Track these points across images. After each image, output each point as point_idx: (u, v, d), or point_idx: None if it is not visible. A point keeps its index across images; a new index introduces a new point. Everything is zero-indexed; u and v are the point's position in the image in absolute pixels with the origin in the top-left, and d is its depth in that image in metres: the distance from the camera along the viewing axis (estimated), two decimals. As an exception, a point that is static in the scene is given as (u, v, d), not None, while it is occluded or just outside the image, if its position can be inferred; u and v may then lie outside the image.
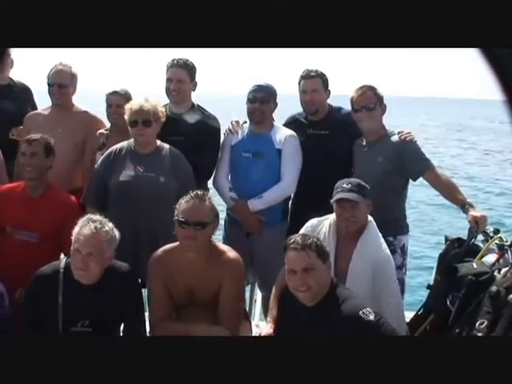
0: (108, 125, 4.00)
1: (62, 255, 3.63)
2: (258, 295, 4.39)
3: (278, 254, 3.80)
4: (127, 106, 3.42)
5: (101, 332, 2.89)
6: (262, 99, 3.74)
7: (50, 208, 3.48)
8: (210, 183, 3.90)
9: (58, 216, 3.46)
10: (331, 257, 2.83)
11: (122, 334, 3.07)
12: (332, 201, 3.04)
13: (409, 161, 3.53)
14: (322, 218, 3.18)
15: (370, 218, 3.08)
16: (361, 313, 2.49)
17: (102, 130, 3.93)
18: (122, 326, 3.06)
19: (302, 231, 3.08)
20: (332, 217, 3.14)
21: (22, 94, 4.37)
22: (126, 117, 3.42)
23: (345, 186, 3.03)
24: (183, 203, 2.92)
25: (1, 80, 4.27)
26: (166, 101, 3.85)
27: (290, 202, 3.99)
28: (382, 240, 3.07)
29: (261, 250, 3.76)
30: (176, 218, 2.92)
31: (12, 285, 3.25)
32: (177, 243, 3.01)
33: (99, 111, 4.14)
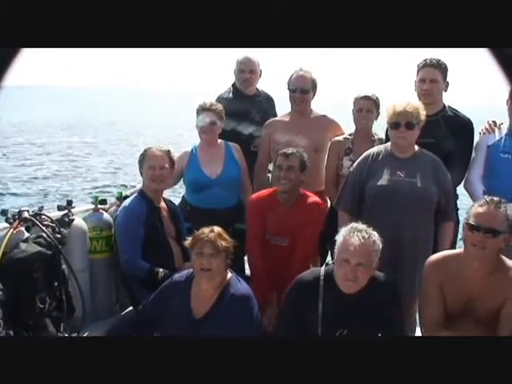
0: (346, 129, 3.98)
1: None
2: None
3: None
4: (389, 107, 3.32)
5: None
6: None
7: (301, 216, 3.53)
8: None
9: (308, 221, 3.52)
10: None
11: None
12: None
13: None
14: None
15: None
16: None
17: (346, 135, 3.90)
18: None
19: None
20: None
21: (266, 104, 4.52)
22: (386, 119, 3.33)
23: None
24: (476, 207, 2.75)
25: (249, 91, 4.44)
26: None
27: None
28: None
29: None
30: (466, 221, 2.75)
31: (266, 287, 3.40)
32: (459, 250, 2.86)
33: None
